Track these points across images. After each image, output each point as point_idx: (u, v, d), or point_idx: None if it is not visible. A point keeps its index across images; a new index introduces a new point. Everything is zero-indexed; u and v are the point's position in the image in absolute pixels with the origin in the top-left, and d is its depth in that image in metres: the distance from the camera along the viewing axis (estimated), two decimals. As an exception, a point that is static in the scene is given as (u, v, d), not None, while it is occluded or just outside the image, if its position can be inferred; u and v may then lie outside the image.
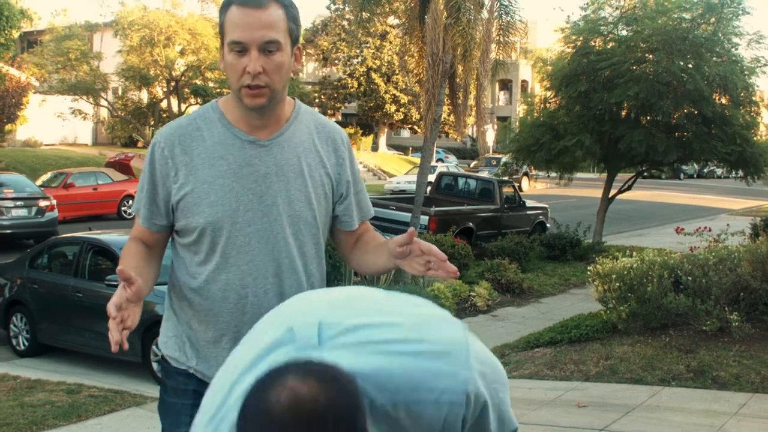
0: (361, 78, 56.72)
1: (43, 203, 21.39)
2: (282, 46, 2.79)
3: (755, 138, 19.65)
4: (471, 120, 26.93)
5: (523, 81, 67.91)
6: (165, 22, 38.79)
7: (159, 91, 44.21)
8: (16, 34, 36.80)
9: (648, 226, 30.77)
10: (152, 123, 43.54)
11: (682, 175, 65.60)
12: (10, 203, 21.06)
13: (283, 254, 2.92)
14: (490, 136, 50.35)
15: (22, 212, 21.19)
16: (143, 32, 39.66)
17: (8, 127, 37.07)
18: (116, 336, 2.46)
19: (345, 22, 56.03)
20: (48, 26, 50.77)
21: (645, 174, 23.98)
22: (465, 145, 66.39)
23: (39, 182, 27.52)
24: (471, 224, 21.16)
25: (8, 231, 20.90)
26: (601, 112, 19.70)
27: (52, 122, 44.02)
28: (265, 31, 2.75)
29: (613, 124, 19.76)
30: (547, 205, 26.20)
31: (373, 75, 56.11)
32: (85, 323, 11.76)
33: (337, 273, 13.07)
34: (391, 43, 47.88)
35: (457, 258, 16.17)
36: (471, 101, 26.17)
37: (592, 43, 19.94)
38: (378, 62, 55.86)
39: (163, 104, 43.82)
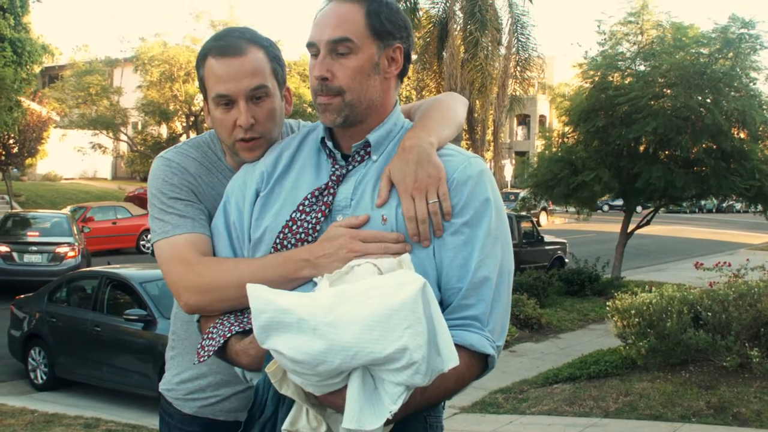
0: (380, 112, 56.88)
1: (61, 250, 19.61)
2: (270, 90, 2.63)
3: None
4: (489, 155, 27.04)
5: (542, 116, 68.03)
6: (185, 58, 39.07)
7: (178, 125, 44.48)
8: (37, 69, 37.15)
9: (667, 260, 30.64)
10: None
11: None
12: (21, 248, 19.60)
13: None
14: (508, 170, 50.39)
15: (35, 258, 19.53)
16: (163, 68, 39.98)
17: (29, 161, 37.41)
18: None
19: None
20: (69, 61, 51.13)
21: (669, 208, 23.93)
22: (483, 180, 66.36)
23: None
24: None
25: (15, 278, 18.88)
26: (620, 147, 19.69)
27: (72, 156, 44.38)
28: (250, 79, 2.57)
29: (631, 159, 19.74)
30: (565, 240, 26.15)
31: (391, 110, 56.28)
32: (104, 357, 11.78)
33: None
34: (409, 78, 48.21)
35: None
36: (489, 136, 26.29)
37: (610, 79, 19.97)
38: (396, 97, 56.08)
39: (183, 139, 44.05)
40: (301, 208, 2.34)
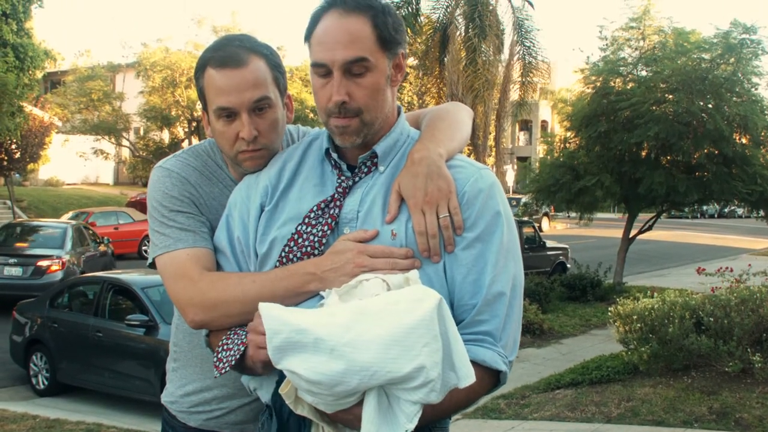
0: (381, 118, 56.83)
1: (43, 263, 18.38)
2: (273, 101, 2.57)
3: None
4: (491, 160, 26.99)
5: (543, 121, 67.95)
6: (187, 63, 39.09)
7: (180, 131, 44.53)
8: (39, 75, 37.01)
9: (669, 266, 30.63)
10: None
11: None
12: (1, 260, 18.43)
13: None
14: (510, 176, 50.40)
15: (15, 271, 18.36)
16: (165, 73, 40.03)
17: (31, 166, 37.37)
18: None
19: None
20: (71, 67, 51.29)
21: (671, 214, 23.92)
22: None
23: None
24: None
25: None
26: (621, 153, 19.70)
27: (74, 162, 44.41)
28: (253, 91, 2.51)
29: (633, 164, 19.74)
30: (567, 246, 26.14)
31: (393, 115, 56.24)
32: (105, 363, 11.78)
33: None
34: (411, 83, 48.16)
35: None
36: (491, 141, 26.26)
37: (612, 84, 19.97)
38: (398, 102, 56.00)
39: (185, 144, 44.07)
40: (306, 220, 2.31)
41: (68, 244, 19.64)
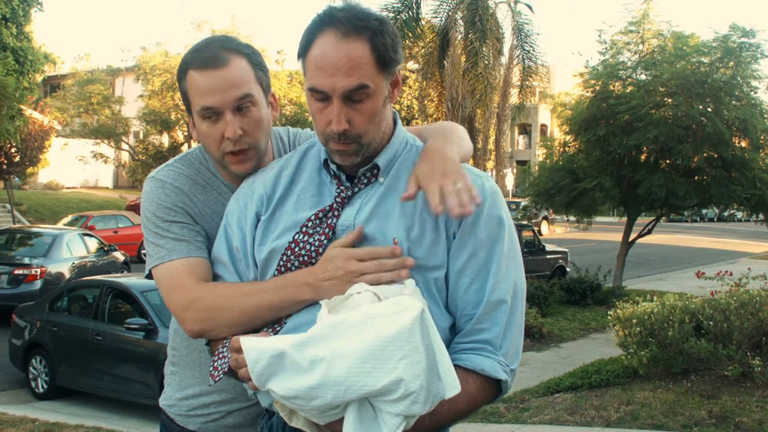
0: (381, 122, 56.76)
1: (21, 272, 17.66)
2: (255, 99, 2.57)
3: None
4: (490, 164, 26.96)
5: (543, 125, 68.01)
6: (186, 67, 39.04)
7: (180, 135, 44.48)
8: (39, 78, 37.16)
9: (668, 270, 30.63)
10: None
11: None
12: None
13: None
14: (509, 180, 50.36)
15: None
16: (164, 77, 39.98)
17: (30, 170, 37.38)
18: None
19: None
20: (71, 71, 51.25)
21: (670, 217, 23.94)
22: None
23: (59, 225, 27.54)
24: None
25: None
26: (621, 156, 19.70)
27: (74, 165, 44.40)
28: (235, 90, 2.51)
29: (632, 168, 19.75)
30: (566, 250, 26.14)
31: (393, 119, 56.18)
32: (105, 367, 11.77)
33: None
34: (410, 87, 48.18)
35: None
36: (490, 145, 26.25)
37: (611, 88, 19.99)
38: (397, 106, 56.01)
39: (184, 148, 44.07)
40: (304, 229, 2.30)
41: (55, 253, 18.93)
